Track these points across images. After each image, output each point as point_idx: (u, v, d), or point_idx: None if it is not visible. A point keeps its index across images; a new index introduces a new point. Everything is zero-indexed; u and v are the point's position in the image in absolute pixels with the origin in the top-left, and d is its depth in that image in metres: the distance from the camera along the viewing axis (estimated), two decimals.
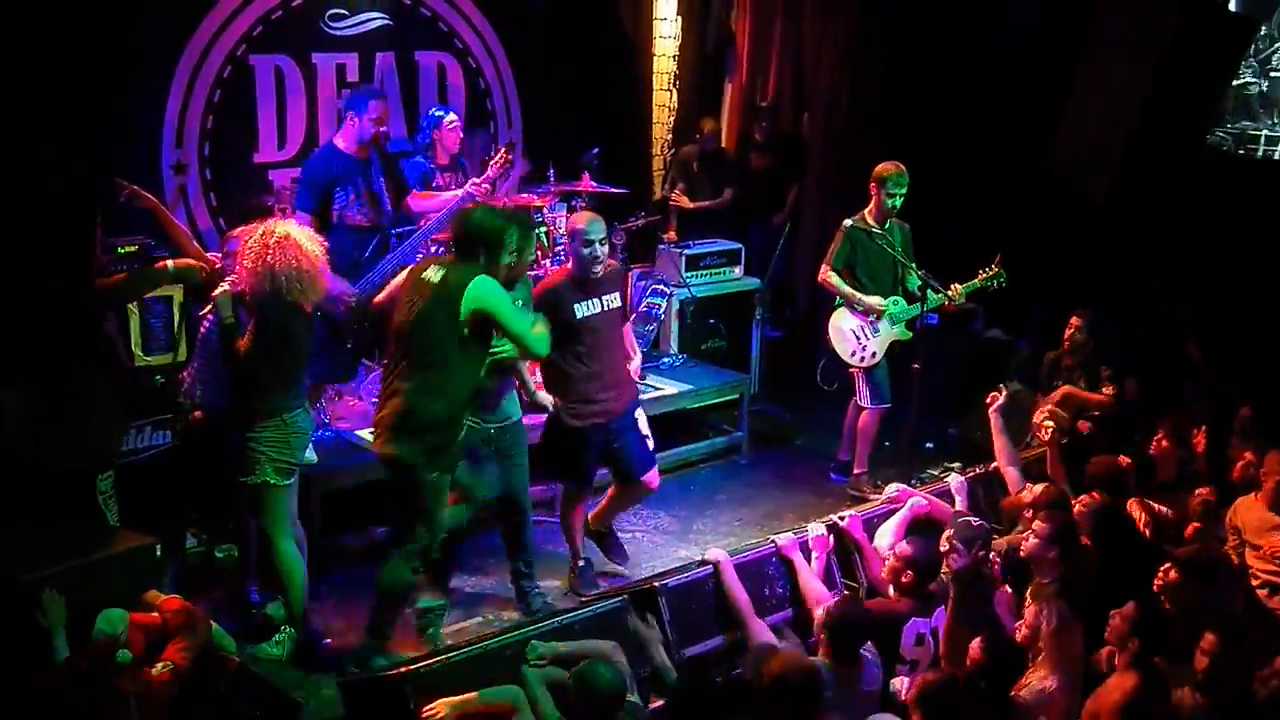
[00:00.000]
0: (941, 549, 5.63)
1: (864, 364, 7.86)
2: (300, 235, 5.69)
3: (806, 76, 10.36)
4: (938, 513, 6.38)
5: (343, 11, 8.54)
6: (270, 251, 5.54)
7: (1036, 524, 5.71)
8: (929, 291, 7.65)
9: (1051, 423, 7.22)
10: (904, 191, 7.69)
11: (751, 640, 5.42)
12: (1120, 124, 9.62)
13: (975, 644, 5.00)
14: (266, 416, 5.69)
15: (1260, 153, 9.68)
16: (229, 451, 5.84)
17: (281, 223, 5.79)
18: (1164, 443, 7.04)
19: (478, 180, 7.44)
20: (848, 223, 7.76)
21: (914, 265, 7.72)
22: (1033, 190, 9.75)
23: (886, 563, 5.84)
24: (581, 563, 6.75)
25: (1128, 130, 9.58)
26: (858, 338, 7.86)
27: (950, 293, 7.73)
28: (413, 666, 4.95)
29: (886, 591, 5.81)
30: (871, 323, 7.81)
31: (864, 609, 5.42)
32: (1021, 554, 5.74)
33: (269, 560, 5.89)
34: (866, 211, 7.81)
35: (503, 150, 7.67)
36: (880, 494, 6.99)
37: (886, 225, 7.76)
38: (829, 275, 7.87)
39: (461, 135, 8.19)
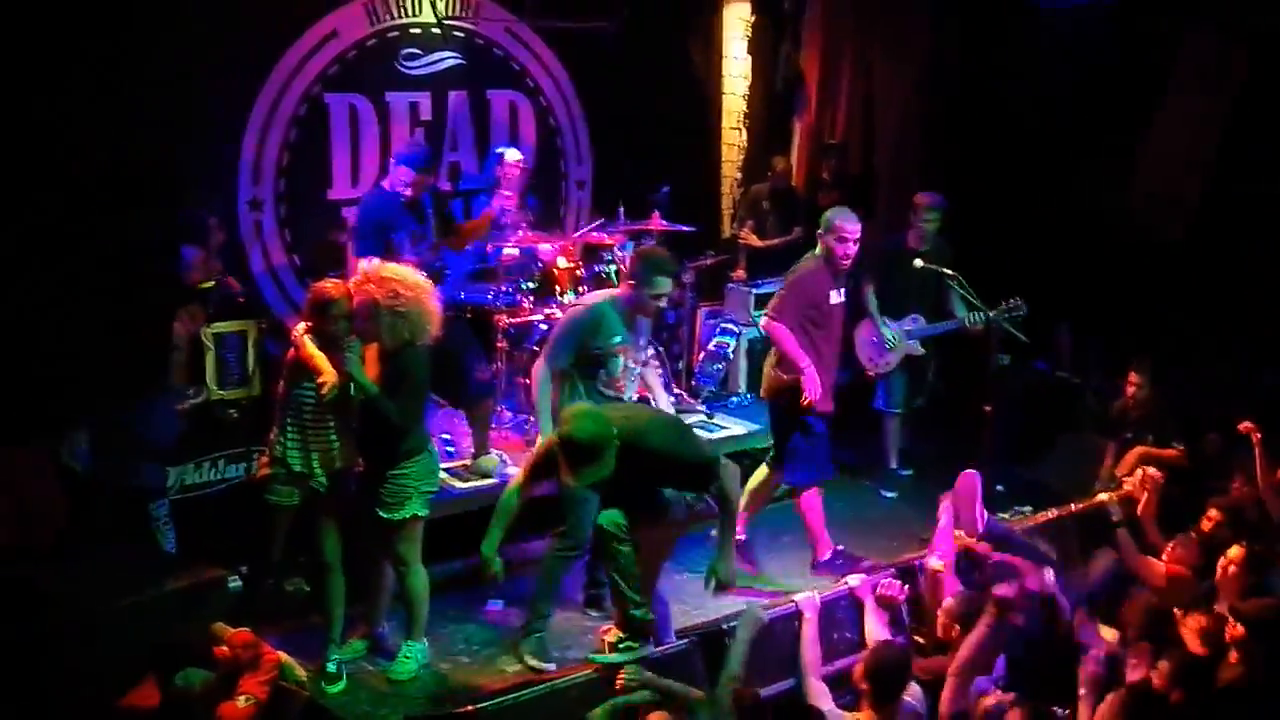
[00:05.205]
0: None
1: (879, 372, 8.47)
2: (404, 273, 5.81)
3: (875, 116, 10.34)
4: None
5: (416, 51, 8.63)
6: (400, 299, 5.62)
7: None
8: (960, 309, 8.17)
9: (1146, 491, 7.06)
10: (938, 218, 8.33)
11: (807, 695, 5.34)
12: (1196, 166, 9.51)
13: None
14: (416, 453, 5.85)
15: None
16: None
17: (382, 267, 5.90)
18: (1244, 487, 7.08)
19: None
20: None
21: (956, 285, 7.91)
22: (1108, 233, 9.64)
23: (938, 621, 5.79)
24: None
25: (1204, 172, 9.48)
26: (877, 345, 8.38)
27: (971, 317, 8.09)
28: (482, 705, 4.95)
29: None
30: (882, 343, 8.36)
31: (899, 650, 5.37)
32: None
33: (405, 585, 6.02)
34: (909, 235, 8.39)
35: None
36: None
37: (926, 248, 8.28)
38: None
39: (527, 172, 8.26)
